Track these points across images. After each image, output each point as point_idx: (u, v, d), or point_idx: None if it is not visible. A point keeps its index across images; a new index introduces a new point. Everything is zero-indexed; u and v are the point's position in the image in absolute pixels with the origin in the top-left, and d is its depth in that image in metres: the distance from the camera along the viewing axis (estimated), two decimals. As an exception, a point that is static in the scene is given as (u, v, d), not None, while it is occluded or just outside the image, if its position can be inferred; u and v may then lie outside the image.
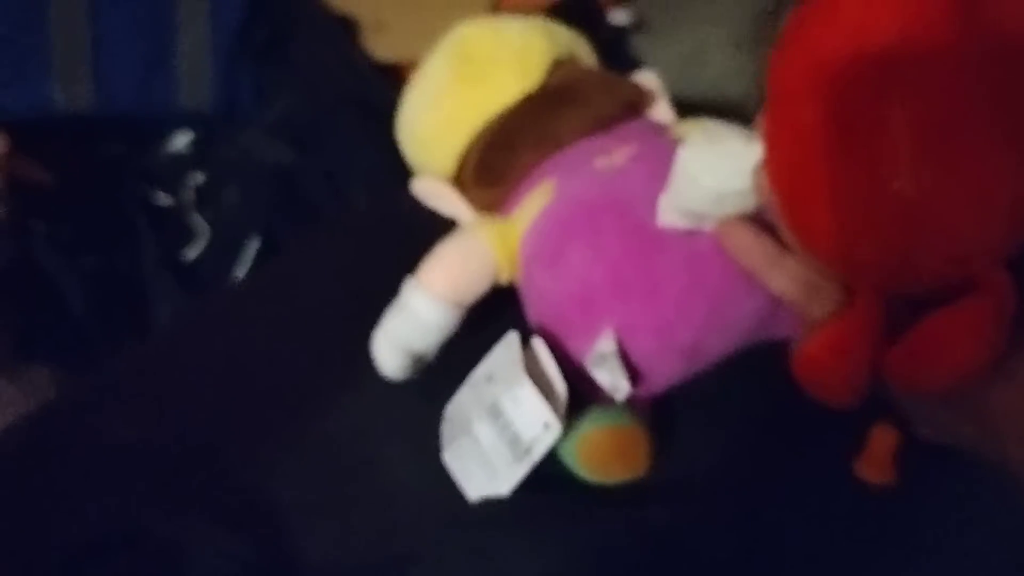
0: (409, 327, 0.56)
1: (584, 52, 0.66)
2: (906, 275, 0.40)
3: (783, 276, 0.45)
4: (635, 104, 0.62)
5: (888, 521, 0.55)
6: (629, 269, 0.53)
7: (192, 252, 0.93)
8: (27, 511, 0.54)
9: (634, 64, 0.80)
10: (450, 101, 0.62)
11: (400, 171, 0.70)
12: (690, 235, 0.52)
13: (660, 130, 0.62)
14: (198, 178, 0.94)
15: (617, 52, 0.83)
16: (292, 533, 0.54)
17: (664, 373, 0.55)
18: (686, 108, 0.66)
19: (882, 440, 0.56)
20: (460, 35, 0.64)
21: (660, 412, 0.57)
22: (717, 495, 0.56)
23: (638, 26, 0.86)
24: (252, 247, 0.91)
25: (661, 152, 0.56)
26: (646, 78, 0.65)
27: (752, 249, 0.46)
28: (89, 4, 0.85)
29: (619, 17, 0.85)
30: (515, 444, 0.52)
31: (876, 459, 0.56)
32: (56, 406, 0.62)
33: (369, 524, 0.55)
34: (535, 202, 0.57)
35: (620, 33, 0.86)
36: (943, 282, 0.40)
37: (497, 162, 0.59)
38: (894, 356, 0.41)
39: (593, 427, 0.53)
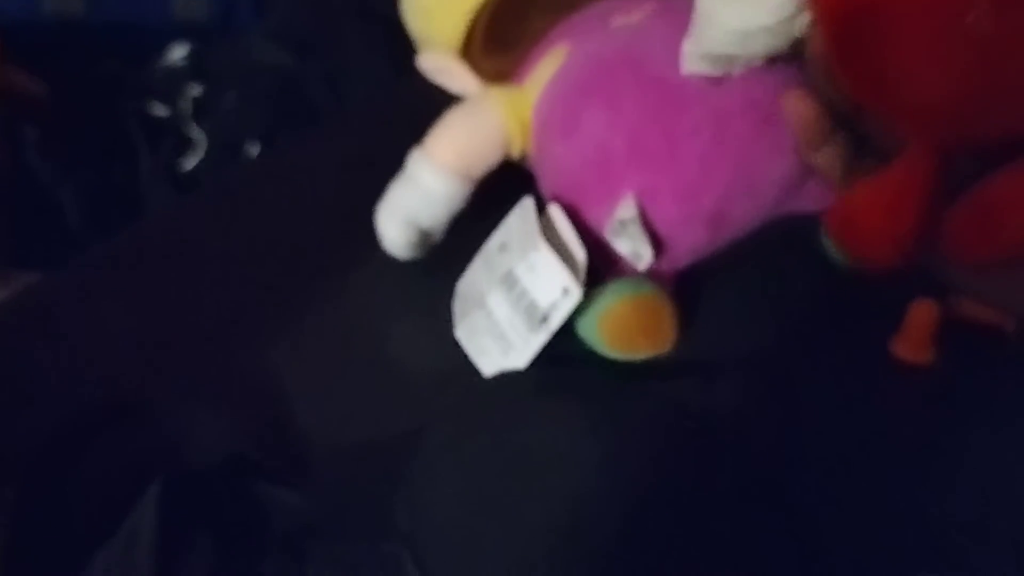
0: (415, 199, 0.53)
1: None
2: (977, 123, 0.37)
3: (830, 153, 0.42)
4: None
5: (926, 402, 0.53)
6: (649, 129, 0.50)
7: (189, 162, 0.91)
8: (24, 383, 0.53)
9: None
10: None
11: (402, 74, 0.67)
12: (714, 90, 0.49)
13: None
14: (195, 90, 0.92)
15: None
16: (297, 411, 0.52)
17: (688, 242, 0.52)
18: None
19: (921, 317, 0.53)
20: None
21: (687, 290, 0.54)
22: (749, 374, 0.54)
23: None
24: (252, 152, 0.88)
25: (684, 6, 0.53)
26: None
27: (814, 124, 0.43)
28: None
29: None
30: (531, 313, 0.50)
31: (914, 337, 0.54)
32: (55, 285, 0.60)
33: (377, 402, 0.53)
34: (547, 67, 0.54)
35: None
36: (1017, 133, 0.37)
37: (507, 28, 0.55)
38: (953, 220, 0.38)
39: (615, 298, 0.50)
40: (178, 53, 0.93)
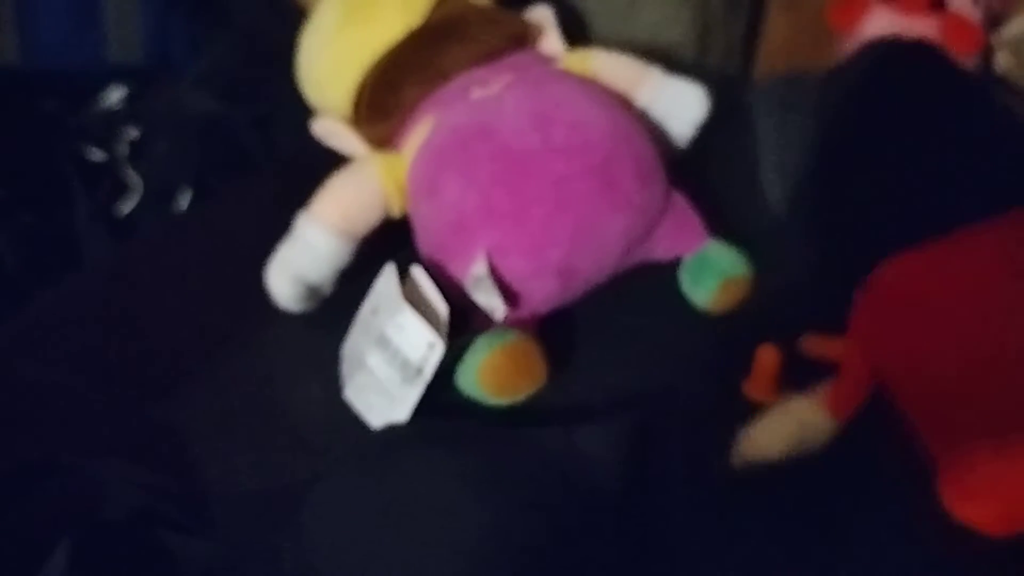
0: (302, 257, 0.64)
1: (477, -13, 0.74)
2: None
3: None
4: (522, 37, 0.71)
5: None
6: (498, 193, 0.61)
7: (126, 207, 1.01)
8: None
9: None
10: (338, 42, 0.70)
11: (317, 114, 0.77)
12: (556, 157, 0.60)
13: (544, 60, 0.70)
14: (132, 133, 1.02)
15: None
16: (199, 464, 0.62)
17: (541, 293, 0.63)
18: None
19: (766, 360, 0.62)
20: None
21: (556, 338, 0.64)
22: (612, 416, 0.63)
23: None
24: (184, 199, 0.99)
25: (537, 79, 0.65)
26: (539, 13, 0.73)
27: None
28: (12, -47, 0.91)
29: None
30: (405, 368, 0.60)
31: (761, 379, 0.63)
32: None
33: (274, 454, 0.62)
34: (418, 136, 0.65)
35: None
36: None
37: (384, 98, 0.68)
38: None
39: (486, 352, 0.60)
40: (115, 96, 1.04)
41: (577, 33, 0.79)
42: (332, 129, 0.70)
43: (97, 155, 1.02)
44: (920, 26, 0.94)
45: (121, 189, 1.01)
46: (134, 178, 1.02)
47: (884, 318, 0.60)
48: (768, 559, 0.56)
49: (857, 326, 0.61)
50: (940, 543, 0.55)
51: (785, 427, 0.59)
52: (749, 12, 1.05)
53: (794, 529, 0.57)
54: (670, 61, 0.77)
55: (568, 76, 0.69)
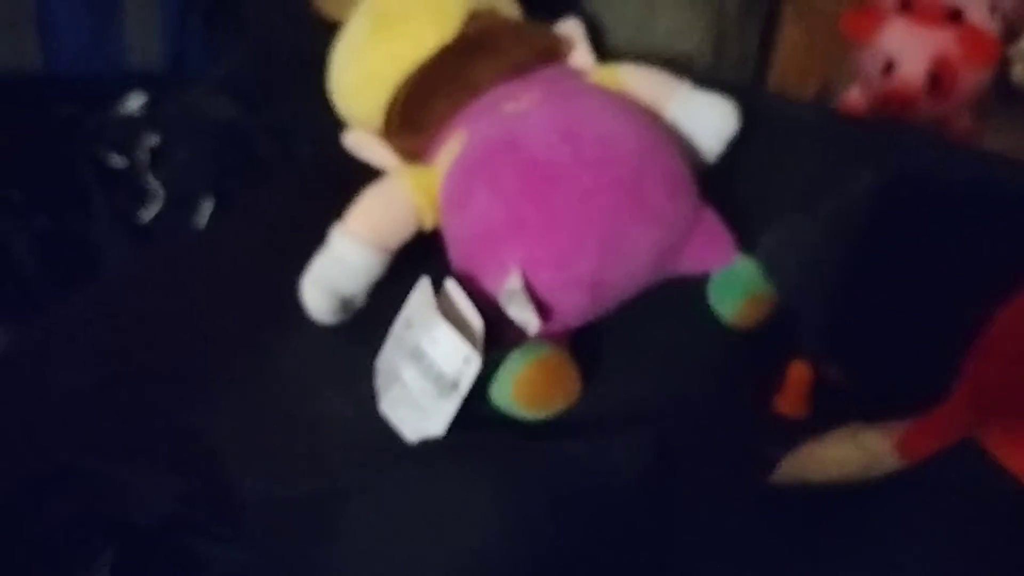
0: (335, 270, 0.65)
1: (505, 3, 0.75)
2: None
3: None
4: (552, 52, 0.72)
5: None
6: (525, 206, 0.62)
7: (147, 213, 1.02)
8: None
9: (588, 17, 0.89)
10: (369, 56, 0.71)
11: (346, 126, 0.78)
12: (583, 170, 0.61)
13: (574, 74, 0.71)
14: (152, 139, 1.03)
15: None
16: (230, 471, 0.62)
17: (571, 306, 0.64)
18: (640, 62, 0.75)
19: (797, 376, 0.63)
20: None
21: (587, 350, 0.65)
22: (638, 428, 0.63)
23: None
24: (206, 206, 1.00)
25: (566, 93, 0.66)
26: (568, 27, 0.74)
27: None
28: (32, -38, 0.92)
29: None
30: (440, 382, 0.60)
31: (792, 394, 0.64)
32: (4, 351, 0.71)
33: (305, 463, 0.63)
34: (450, 150, 0.66)
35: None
36: None
37: (416, 112, 0.69)
38: None
39: (520, 365, 0.61)
40: (135, 102, 1.05)
41: (593, 42, 0.79)
42: (364, 142, 0.71)
43: (117, 161, 1.03)
44: (936, 37, 0.95)
45: (141, 196, 1.02)
46: (155, 185, 1.02)
47: (1000, 363, 0.60)
48: (768, 559, 0.57)
49: (969, 373, 0.60)
50: (943, 544, 0.56)
51: (854, 454, 0.59)
52: (764, 21, 1.06)
53: (795, 529, 0.58)
54: (685, 70, 0.78)
55: (597, 90, 0.70)
